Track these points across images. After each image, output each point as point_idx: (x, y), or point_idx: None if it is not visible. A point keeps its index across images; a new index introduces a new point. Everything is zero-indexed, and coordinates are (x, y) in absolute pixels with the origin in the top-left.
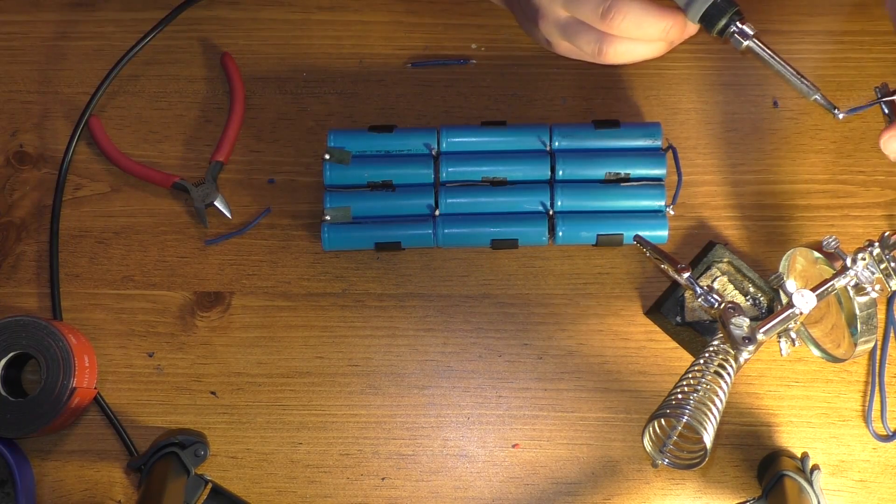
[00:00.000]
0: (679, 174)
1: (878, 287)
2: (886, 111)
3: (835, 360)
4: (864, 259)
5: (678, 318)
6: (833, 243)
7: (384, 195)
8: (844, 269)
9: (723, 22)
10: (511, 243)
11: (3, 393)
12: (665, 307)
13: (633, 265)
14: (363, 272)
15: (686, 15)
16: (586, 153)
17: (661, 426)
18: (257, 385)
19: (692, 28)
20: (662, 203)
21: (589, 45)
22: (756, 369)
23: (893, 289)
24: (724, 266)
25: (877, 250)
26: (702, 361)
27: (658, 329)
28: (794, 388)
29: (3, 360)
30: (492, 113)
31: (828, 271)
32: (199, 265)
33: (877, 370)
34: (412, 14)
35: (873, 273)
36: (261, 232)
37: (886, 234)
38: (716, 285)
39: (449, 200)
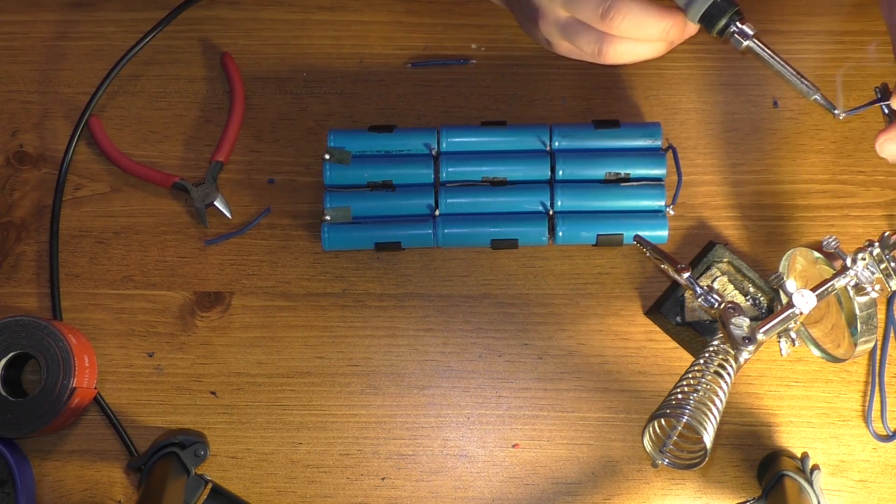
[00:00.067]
0: (679, 174)
1: (878, 287)
2: (886, 111)
3: (835, 360)
4: (864, 259)
5: (678, 318)
6: (833, 243)
7: (384, 195)
8: (844, 269)
9: (723, 22)
10: (511, 243)
11: (3, 393)
12: (665, 307)
13: (633, 265)
14: (363, 272)
15: (686, 15)
16: (586, 153)
17: (661, 426)
18: (257, 385)
19: (692, 28)
20: (662, 203)
21: (589, 45)
22: (756, 369)
23: (893, 289)
24: (724, 266)
25: (877, 250)
26: (702, 361)
27: (658, 329)
28: (794, 388)
29: (3, 360)
30: (492, 113)
31: (828, 271)
32: (199, 265)
33: (877, 370)
34: (412, 14)
35: (873, 273)
36: (261, 232)
37: (886, 234)
38: (716, 285)
39: (449, 200)
